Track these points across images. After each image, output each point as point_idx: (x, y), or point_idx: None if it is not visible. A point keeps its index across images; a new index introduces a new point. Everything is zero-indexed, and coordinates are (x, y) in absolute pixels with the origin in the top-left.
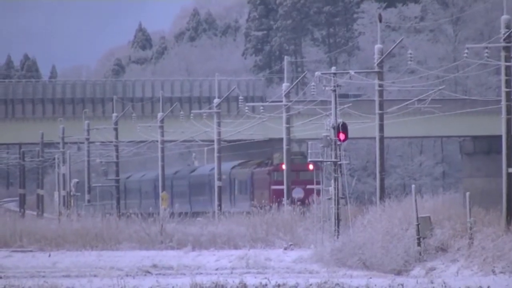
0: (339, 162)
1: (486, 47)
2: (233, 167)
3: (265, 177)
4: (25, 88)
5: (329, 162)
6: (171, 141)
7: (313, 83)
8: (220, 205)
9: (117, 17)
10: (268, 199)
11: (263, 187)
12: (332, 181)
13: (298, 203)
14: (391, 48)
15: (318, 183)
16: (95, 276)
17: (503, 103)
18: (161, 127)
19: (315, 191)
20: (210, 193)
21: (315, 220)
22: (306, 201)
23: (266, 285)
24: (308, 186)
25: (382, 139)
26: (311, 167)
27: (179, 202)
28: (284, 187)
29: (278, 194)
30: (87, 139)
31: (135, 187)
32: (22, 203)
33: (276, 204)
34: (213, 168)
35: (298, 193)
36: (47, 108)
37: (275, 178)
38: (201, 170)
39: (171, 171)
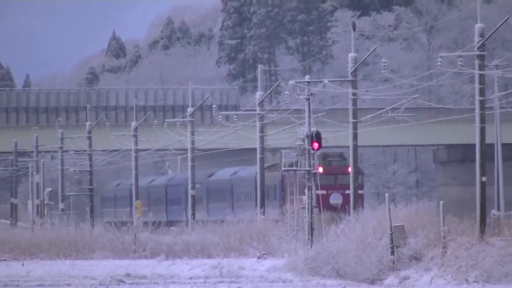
0: (312, 171)
1: (460, 56)
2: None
3: (301, 180)
4: None
5: (302, 171)
6: (144, 150)
7: (287, 92)
8: (194, 214)
9: (91, 25)
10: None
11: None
12: (306, 190)
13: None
14: (365, 57)
15: (359, 187)
16: (68, 285)
17: (477, 112)
18: (135, 136)
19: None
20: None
21: (288, 229)
22: (346, 207)
23: None
24: (348, 191)
25: (355, 147)
26: (350, 170)
27: (154, 211)
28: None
29: (316, 200)
30: (61, 148)
31: (111, 195)
32: None
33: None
34: (211, 174)
35: (336, 199)
36: (21, 117)
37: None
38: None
39: (147, 180)
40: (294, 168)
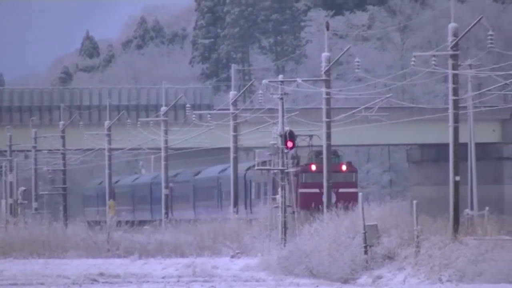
0: (286, 170)
1: (434, 55)
2: (248, 168)
3: (291, 179)
4: None
5: (276, 170)
6: (118, 149)
7: (260, 91)
8: (167, 213)
9: (65, 25)
10: (295, 204)
11: (289, 190)
12: (280, 189)
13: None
14: (338, 56)
15: (353, 185)
16: (42, 284)
17: (451, 111)
18: (108, 135)
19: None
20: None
21: (262, 228)
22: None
23: None
24: (341, 190)
25: (329, 147)
26: (344, 168)
27: (139, 210)
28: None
29: (308, 199)
30: (34, 147)
31: (93, 194)
32: None
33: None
34: (198, 173)
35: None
36: None
37: (303, 180)
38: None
39: (131, 178)
40: (268, 167)
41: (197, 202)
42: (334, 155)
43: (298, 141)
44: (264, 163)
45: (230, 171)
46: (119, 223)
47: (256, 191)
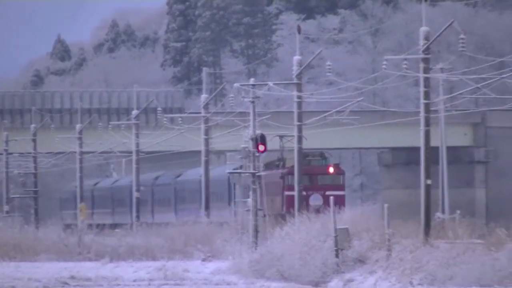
0: (257, 174)
1: (405, 59)
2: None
3: (276, 181)
4: None
5: (247, 174)
6: (89, 152)
7: (231, 95)
8: (138, 216)
9: (36, 28)
10: (280, 207)
11: (274, 193)
12: (251, 192)
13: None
14: (310, 60)
15: (340, 188)
16: (13, 287)
17: (422, 115)
18: (80, 138)
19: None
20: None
21: (233, 231)
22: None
23: None
24: (328, 192)
25: (300, 150)
26: (331, 170)
27: (118, 212)
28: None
29: (293, 201)
30: (6, 150)
31: (70, 197)
32: None
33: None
34: (179, 175)
35: (316, 200)
36: None
37: (289, 183)
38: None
39: (109, 181)
40: (239, 171)
41: (179, 205)
42: (321, 157)
43: (284, 142)
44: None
45: (214, 172)
46: (98, 225)
47: (240, 194)
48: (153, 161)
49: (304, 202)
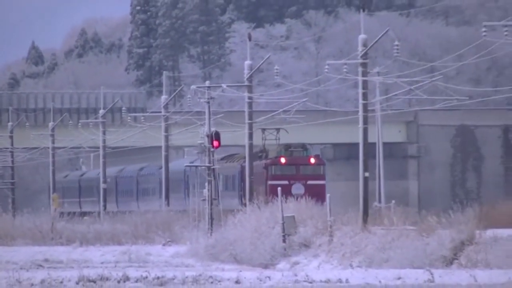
0: (212, 167)
1: (345, 63)
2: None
3: (260, 171)
4: None
5: (203, 167)
6: (61, 148)
7: (189, 96)
8: (105, 205)
9: (12, 35)
10: (264, 196)
11: (258, 182)
12: (206, 183)
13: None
14: (259, 64)
15: (321, 178)
16: None
17: (360, 114)
18: (52, 135)
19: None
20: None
21: (191, 219)
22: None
23: (146, 277)
24: (310, 182)
25: (251, 146)
26: (312, 160)
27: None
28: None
29: (277, 190)
30: None
31: (58, 187)
32: None
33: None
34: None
35: (298, 189)
36: None
37: (273, 173)
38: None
39: (95, 172)
40: (196, 164)
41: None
42: (302, 148)
43: (266, 135)
44: (232, 156)
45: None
46: (68, 214)
47: (223, 184)
48: (119, 155)
49: (287, 191)
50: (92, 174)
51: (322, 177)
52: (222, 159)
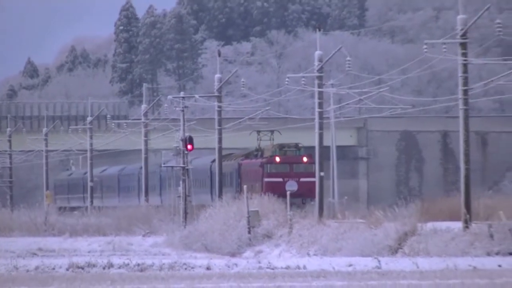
0: (186, 167)
1: (303, 77)
2: (213, 161)
3: (256, 169)
4: None
5: (178, 167)
6: (53, 151)
7: (166, 105)
8: (92, 201)
9: (11, 51)
10: (260, 192)
11: (254, 179)
12: (181, 182)
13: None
14: (228, 77)
15: (313, 175)
16: None
17: (316, 121)
18: (46, 139)
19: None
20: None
21: (167, 213)
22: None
23: (128, 264)
24: (302, 179)
25: (220, 149)
26: (305, 159)
27: (107, 197)
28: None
29: (272, 187)
30: None
31: (64, 183)
32: None
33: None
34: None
35: (291, 186)
36: None
37: (268, 171)
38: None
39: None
40: (172, 165)
41: (163, 190)
42: (295, 148)
43: (261, 136)
44: (229, 155)
45: (198, 162)
46: (60, 208)
47: (224, 180)
48: (104, 157)
49: (281, 187)
50: (79, 173)
51: (313, 175)
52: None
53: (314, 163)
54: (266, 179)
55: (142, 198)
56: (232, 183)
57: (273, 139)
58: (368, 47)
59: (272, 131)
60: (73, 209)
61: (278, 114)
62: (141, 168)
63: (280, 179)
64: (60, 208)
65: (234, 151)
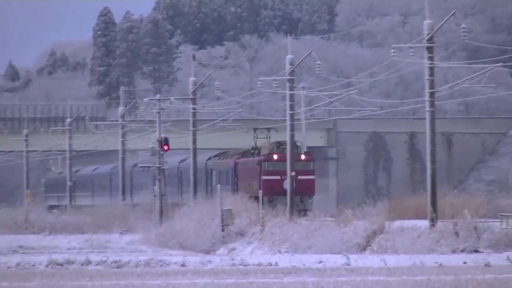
0: (162, 167)
1: (275, 80)
2: (209, 158)
3: (254, 167)
4: None
5: (154, 167)
6: (33, 151)
7: (142, 107)
8: (71, 199)
9: None
10: (257, 190)
11: (251, 178)
12: (157, 181)
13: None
14: (202, 80)
15: (311, 173)
16: None
17: (288, 122)
18: (26, 140)
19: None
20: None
21: (144, 211)
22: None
23: (105, 261)
24: (300, 177)
25: (195, 150)
26: (303, 157)
27: (98, 195)
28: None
29: (271, 185)
30: None
31: (54, 183)
32: None
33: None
34: (115, 167)
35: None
36: None
37: (266, 168)
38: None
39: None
40: (148, 165)
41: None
42: (293, 145)
43: (258, 133)
44: (225, 153)
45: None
46: (51, 207)
47: (216, 179)
48: (82, 158)
49: (279, 185)
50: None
51: (311, 172)
52: (215, 156)
53: (312, 160)
54: (263, 177)
55: (116, 197)
56: (228, 181)
57: (269, 137)
58: (337, 51)
59: (268, 129)
60: (52, 207)
61: (251, 116)
62: (113, 168)
63: (278, 177)
64: (50, 207)
65: (211, 151)
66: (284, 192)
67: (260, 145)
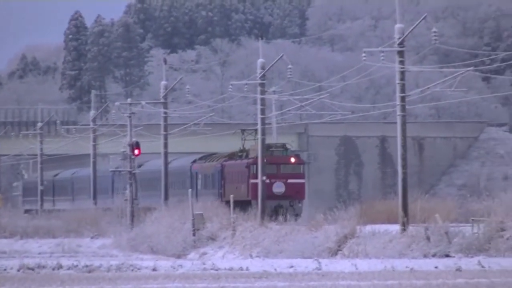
0: (133, 172)
1: (246, 84)
2: (194, 161)
3: (242, 170)
4: None
5: (125, 171)
6: (4, 155)
7: (113, 111)
8: (42, 204)
9: None
10: (245, 194)
11: (239, 181)
12: (128, 186)
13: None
14: (173, 84)
15: (300, 176)
16: None
17: (259, 126)
18: None
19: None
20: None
21: (115, 215)
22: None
23: (77, 265)
24: (290, 180)
25: (166, 154)
26: (293, 160)
27: (79, 199)
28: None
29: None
30: None
31: (32, 186)
32: None
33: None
34: (140, 165)
35: (278, 187)
36: None
37: (254, 172)
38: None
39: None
40: (120, 169)
41: (142, 192)
42: (283, 148)
43: (245, 136)
44: (211, 156)
45: (176, 163)
46: (28, 211)
47: (202, 183)
48: (54, 162)
49: (268, 189)
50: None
51: (301, 176)
52: (200, 159)
53: (302, 163)
54: (252, 181)
55: (77, 202)
56: (214, 185)
57: (257, 139)
58: (308, 55)
59: (256, 130)
60: (24, 211)
61: (222, 120)
62: (73, 173)
63: (267, 181)
64: (26, 211)
65: (182, 155)
66: (273, 196)
67: (248, 148)
